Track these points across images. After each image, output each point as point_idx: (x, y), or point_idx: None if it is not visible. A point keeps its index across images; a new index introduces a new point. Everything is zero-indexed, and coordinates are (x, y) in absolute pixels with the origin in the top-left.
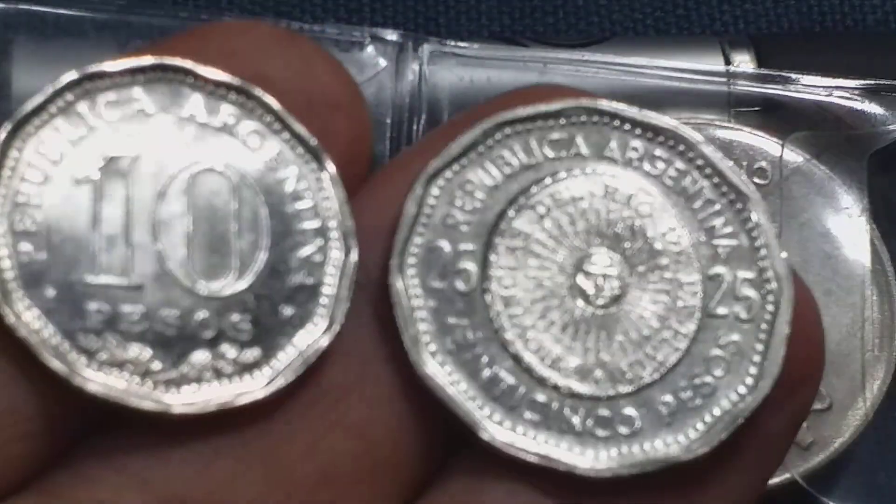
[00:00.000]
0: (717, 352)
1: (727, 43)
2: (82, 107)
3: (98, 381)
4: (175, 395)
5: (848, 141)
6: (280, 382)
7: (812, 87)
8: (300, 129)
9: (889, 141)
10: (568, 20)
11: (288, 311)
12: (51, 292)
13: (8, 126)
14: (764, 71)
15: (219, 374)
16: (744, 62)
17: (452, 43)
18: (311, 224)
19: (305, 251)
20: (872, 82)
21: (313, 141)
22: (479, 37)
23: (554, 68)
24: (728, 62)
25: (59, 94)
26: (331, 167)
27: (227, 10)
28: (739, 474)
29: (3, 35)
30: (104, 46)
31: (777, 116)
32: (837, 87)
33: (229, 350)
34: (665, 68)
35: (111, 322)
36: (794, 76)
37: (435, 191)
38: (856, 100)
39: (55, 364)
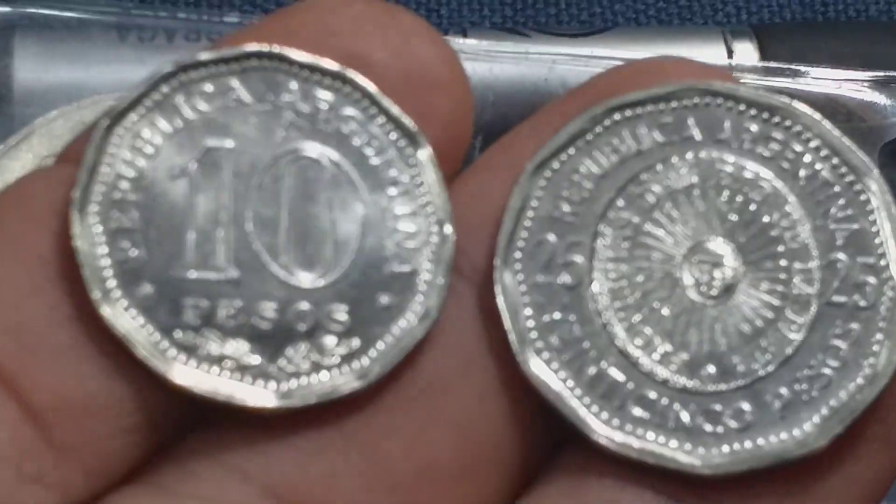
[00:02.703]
0: (834, 342)
1: (729, 33)
2: (178, 99)
3: (196, 377)
4: (273, 389)
5: (859, 133)
6: (377, 372)
7: (821, 80)
8: (397, 112)
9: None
10: (570, 11)
11: (385, 299)
12: (148, 289)
13: (105, 122)
14: (773, 64)
15: (317, 366)
16: (746, 52)
17: (460, 39)
18: (407, 209)
19: (402, 238)
20: (882, 74)
21: (411, 124)
22: (481, 27)
23: (555, 62)
24: (730, 52)
25: (154, 86)
26: (428, 151)
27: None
28: (861, 468)
29: (5, 34)
30: (104, 42)
31: None
32: (846, 80)
33: (327, 341)
34: None
35: (208, 317)
36: (802, 69)
37: (541, 182)
38: (865, 92)
39: (153, 362)
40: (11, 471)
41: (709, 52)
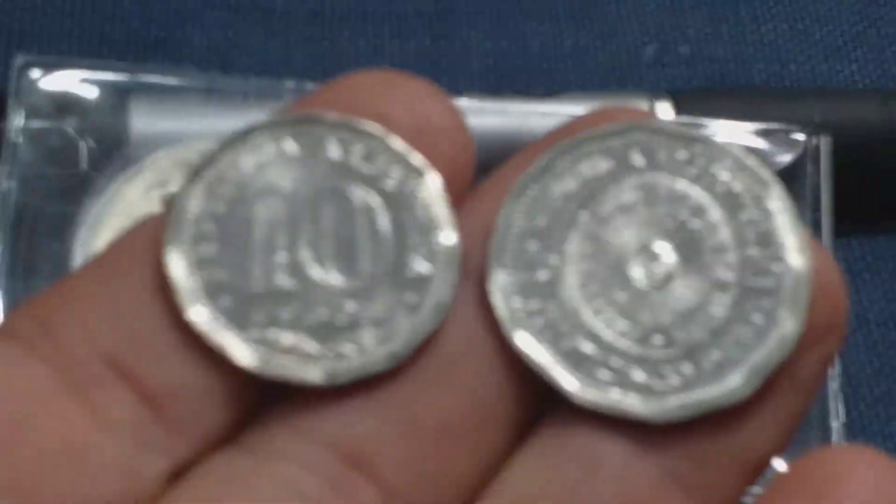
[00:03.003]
0: (751, 316)
1: (652, 96)
2: (244, 154)
3: (268, 365)
4: (327, 370)
5: None
6: (404, 354)
7: (719, 130)
8: (412, 153)
9: (775, 169)
10: (537, 79)
11: (409, 297)
12: (228, 302)
13: (187, 175)
14: (684, 119)
15: (358, 351)
16: (665, 110)
17: (456, 99)
18: (422, 226)
19: (420, 249)
20: (764, 126)
21: (422, 162)
22: (471, 91)
23: (527, 116)
24: (653, 111)
25: (226, 147)
26: (438, 180)
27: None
28: (776, 411)
29: (124, 95)
30: (196, 101)
31: None
32: (738, 130)
33: (365, 332)
34: None
35: (274, 319)
36: (707, 122)
37: (523, 202)
38: (751, 139)
39: (235, 356)
40: (132, 441)
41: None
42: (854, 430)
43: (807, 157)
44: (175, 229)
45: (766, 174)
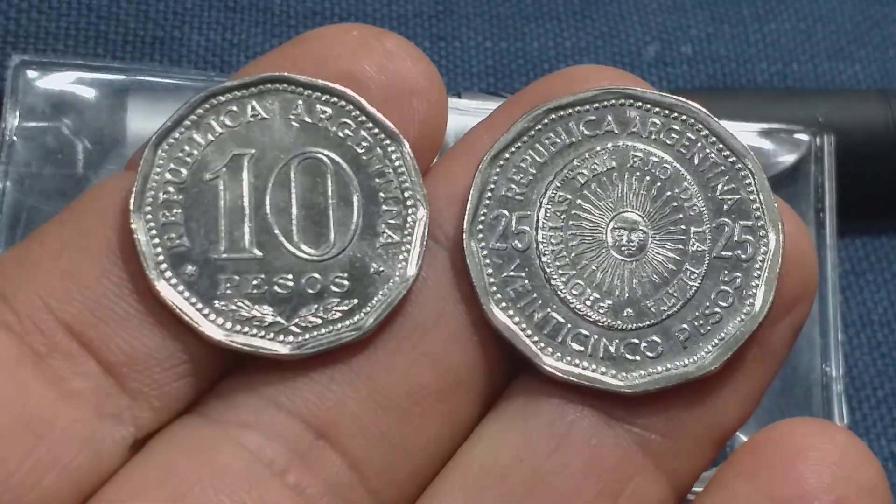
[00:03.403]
0: (722, 287)
1: None
2: (210, 118)
3: (231, 336)
4: (291, 341)
5: None
6: (371, 323)
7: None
8: (382, 118)
9: (779, 169)
10: (536, 79)
11: (376, 266)
12: (191, 268)
13: (153, 138)
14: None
15: (325, 321)
16: None
17: (455, 99)
18: (391, 194)
19: (388, 217)
20: (766, 126)
21: (392, 127)
22: (471, 91)
23: None
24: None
25: (191, 110)
26: (407, 148)
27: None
28: (746, 381)
29: (121, 95)
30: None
31: None
32: (741, 130)
33: (332, 301)
34: None
35: (239, 288)
36: None
37: (496, 170)
38: (754, 139)
39: (198, 326)
40: (93, 410)
41: None
42: (858, 432)
43: (810, 156)
44: (139, 195)
45: (739, 145)
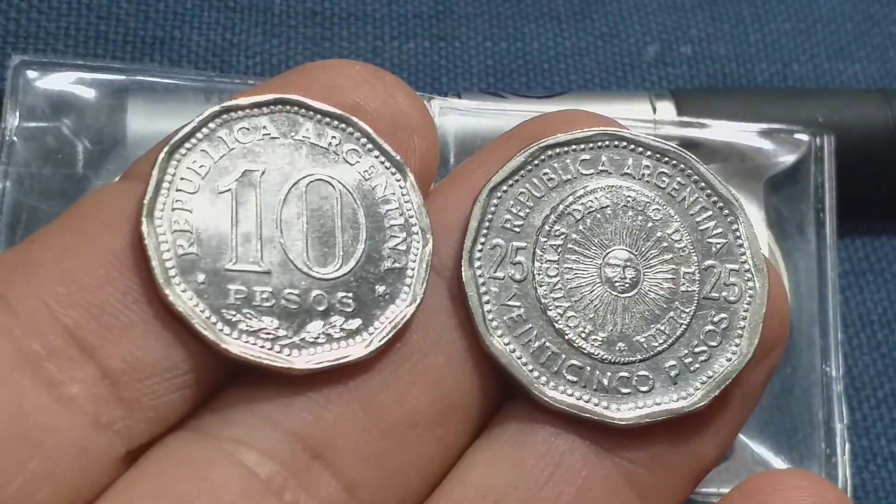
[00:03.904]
0: (710, 327)
1: (654, 95)
2: (222, 133)
3: (238, 346)
4: (297, 356)
5: (749, 170)
6: (376, 344)
7: (722, 130)
8: (387, 147)
9: (779, 169)
10: (536, 79)
11: (381, 289)
12: (201, 277)
13: (165, 148)
14: (686, 118)
15: (329, 338)
16: (666, 109)
17: (455, 100)
18: (397, 221)
19: (393, 242)
20: (766, 126)
21: (398, 156)
22: (471, 91)
23: (527, 116)
24: (654, 109)
25: (204, 123)
26: (411, 176)
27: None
28: (728, 419)
29: (121, 95)
30: (194, 101)
31: (695, 153)
32: (740, 130)
33: (337, 320)
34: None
35: (247, 300)
36: (708, 122)
37: (494, 202)
38: (754, 139)
39: (206, 333)
40: (90, 419)
41: (638, 109)
42: (858, 433)
43: (810, 156)
44: (150, 201)
45: (728, 191)
